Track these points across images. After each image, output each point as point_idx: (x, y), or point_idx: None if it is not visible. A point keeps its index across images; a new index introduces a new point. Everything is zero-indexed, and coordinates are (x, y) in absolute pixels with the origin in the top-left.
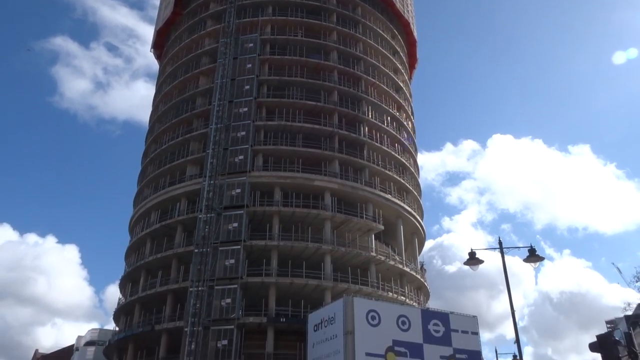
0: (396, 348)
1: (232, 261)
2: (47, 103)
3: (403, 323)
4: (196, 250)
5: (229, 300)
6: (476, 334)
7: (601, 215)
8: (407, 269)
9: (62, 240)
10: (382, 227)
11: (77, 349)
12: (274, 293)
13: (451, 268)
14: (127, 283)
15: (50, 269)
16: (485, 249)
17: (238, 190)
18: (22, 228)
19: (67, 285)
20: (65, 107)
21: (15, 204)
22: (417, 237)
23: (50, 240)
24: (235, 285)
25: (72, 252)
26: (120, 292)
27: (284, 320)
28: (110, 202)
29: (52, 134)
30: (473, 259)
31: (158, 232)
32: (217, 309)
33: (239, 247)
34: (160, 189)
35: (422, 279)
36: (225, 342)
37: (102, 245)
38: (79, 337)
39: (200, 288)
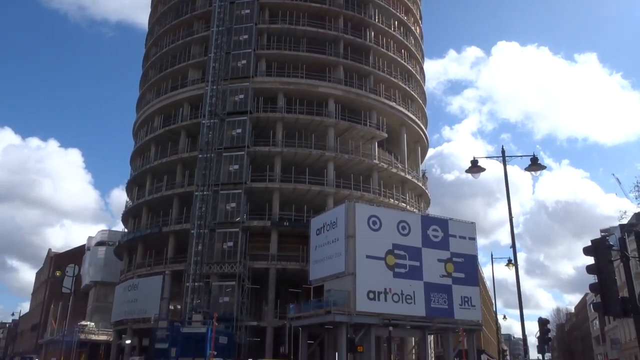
0: (396, 251)
1: (236, 167)
2: (35, 2)
3: (403, 228)
4: (200, 156)
5: (233, 205)
6: (473, 239)
7: (602, 125)
8: (409, 177)
9: (65, 144)
10: (386, 135)
11: (88, 249)
12: (277, 198)
13: (450, 176)
14: (134, 187)
15: (54, 172)
16: (487, 157)
17: (241, 96)
18: (23, 132)
19: (73, 189)
20: (55, 8)
21: (15, 108)
22: (420, 145)
23: (53, 144)
24: (240, 190)
25: (75, 156)
26: (127, 195)
27: (287, 224)
28: (111, 106)
29: (44, 36)
30: (475, 167)
31: (162, 137)
32: (222, 213)
33: (243, 153)
34: (162, 93)
35: (423, 187)
36: (230, 243)
37: (105, 149)
38: (90, 238)
39: (205, 192)
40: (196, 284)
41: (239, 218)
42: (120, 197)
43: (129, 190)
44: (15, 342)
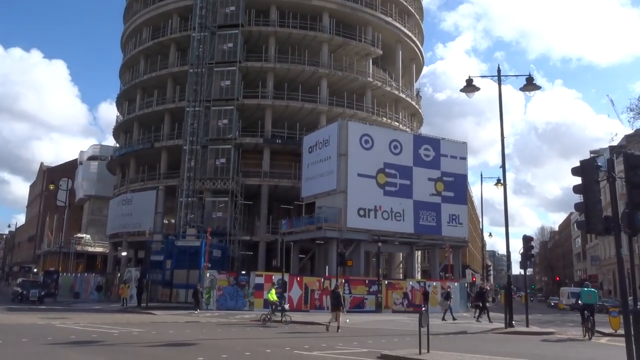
0: (387, 170)
1: (228, 82)
2: None
3: (395, 147)
4: (191, 71)
5: (225, 121)
6: (464, 159)
7: (597, 45)
8: (403, 95)
9: (48, 55)
10: (381, 52)
11: (80, 163)
12: (269, 115)
13: (441, 95)
14: (124, 101)
15: (39, 85)
16: (482, 76)
17: (232, 8)
18: (4, 42)
19: (60, 102)
20: None
21: None
22: (415, 63)
23: (36, 54)
24: (232, 107)
25: (60, 68)
26: (118, 109)
27: (279, 141)
28: (97, 15)
29: None
30: (470, 86)
31: (151, 50)
32: (214, 129)
33: (235, 68)
34: (150, 3)
35: (416, 106)
36: (223, 160)
37: (91, 61)
38: (82, 152)
39: (196, 108)
40: (189, 199)
41: (231, 135)
42: (109, 111)
43: (119, 105)
44: (13, 253)
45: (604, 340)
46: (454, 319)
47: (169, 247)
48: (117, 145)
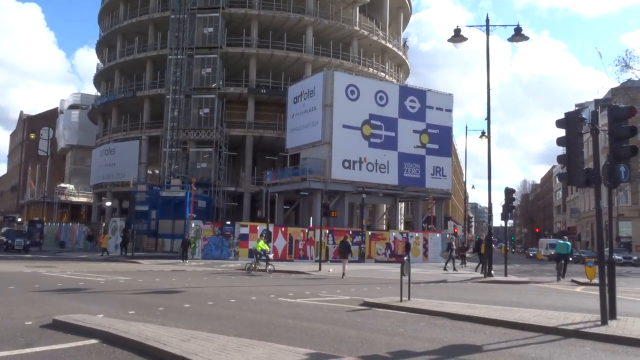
0: (372, 121)
1: (211, 29)
2: None
3: (381, 98)
4: (172, 16)
5: (209, 70)
6: (450, 111)
7: None
8: (390, 45)
9: None
10: (368, 0)
11: (61, 112)
12: (254, 64)
13: (426, 45)
14: (104, 48)
15: (13, 29)
16: (470, 26)
17: None
18: None
19: (35, 48)
20: None
21: None
22: (402, 12)
23: None
24: (215, 55)
25: (34, 12)
26: (98, 57)
27: (264, 91)
28: None
29: None
30: (457, 36)
31: None
32: (198, 78)
33: (218, 14)
34: None
35: (403, 56)
36: (207, 110)
37: (67, 5)
38: (62, 101)
39: (179, 56)
40: (173, 149)
41: (215, 84)
42: (87, 58)
43: (99, 52)
44: None
45: (579, 289)
46: (454, 269)
47: (154, 198)
48: (99, 93)
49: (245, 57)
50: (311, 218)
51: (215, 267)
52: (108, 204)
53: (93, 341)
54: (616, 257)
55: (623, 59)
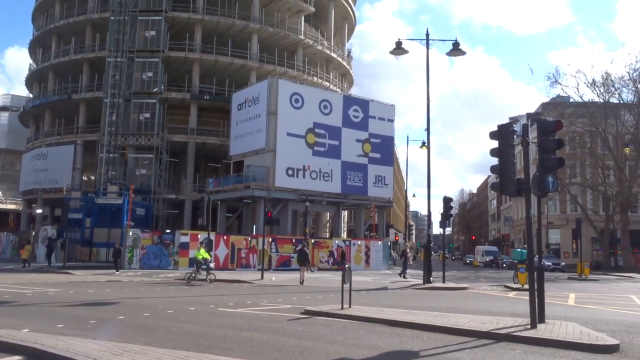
0: (316, 130)
1: (153, 33)
2: None
3: (325, 107)
4: (112, 18)
5: (150, 74)
6: (392, 121)
7: (515, 15)
8: (334, 55)
9: None
10: (313, 9)
11: None
12: (197, 69)
13: (368, 57)
14: (38, 48)
15: None
16: (411, 39)
17: None
18: None
19: None
20: None
21: None
22: (347, 22)
23: None
24: (157, 59)
25: None
26: (31, 57)
27: (207, 97)
28: None
29: None
30: (399, 49)
31: None
32: (138, 82)
33: (160, 17)
34: None
35: (347, 66)
36: (147, 115)
37: None
38: None
39: (119, 59)
40: (111, 155)
41: (156, 88)
42: (17, 58)
43: (31, 52)
44: None
45: (512, 294)
46: (404, 276)
47: (89, 205)
48: (31, 95)
49: (189, 62)
50: (254, 226)
51: (153, 277)
52: (39, 211)
53: (17, 358)
54: (546, 263)
55: (553, 75)
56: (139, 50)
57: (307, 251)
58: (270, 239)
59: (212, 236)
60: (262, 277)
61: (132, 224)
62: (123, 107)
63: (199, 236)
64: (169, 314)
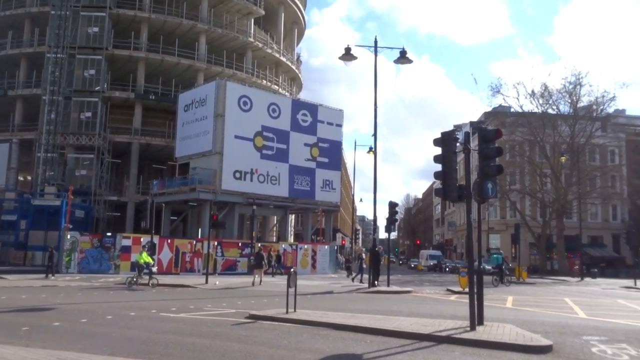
0: (265, 133)
1: (96, 29)
2: None
3: (274, 111)
4: (53, 12)
5: (92, 72)
6: (340, 126)
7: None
8: (284, 59)
9: None
10: (263, 12)
11: None
12: (143, 69)
13: (316, 61)
14: None
15: None
16: (360, 46)
17: None
18: None
19: None
20: None
21: None
22: (297, 26)
23: None
24: (100, 57)
25: None
26: None
27: (153, 97)
28: None
29: None
30: (348, 55)
31: None
32: (80, 80)
33: (104, 14)
34: None
35: (296, 70)
36: (89, 114)
37: None
38: None
39: (59, 55)
40: (49, 154)
41: (98, 87)
42: None
43: None
44: None
45: (453, 297)
46: (352, 280)
47: (24, 206)
48: None
49: (133, 60)
50: (200, 229)
51: (92, 282)
52: None
53: None
54: (486, 267)
55: (495, 85)
56: (80, 46)
57: (263, 254)
58: (215, 243)
59: (156, 239)
60: (206, 282)
61: (71, 226)
62: (63, 105)
63: (142, 239)
64: (108, 319)
